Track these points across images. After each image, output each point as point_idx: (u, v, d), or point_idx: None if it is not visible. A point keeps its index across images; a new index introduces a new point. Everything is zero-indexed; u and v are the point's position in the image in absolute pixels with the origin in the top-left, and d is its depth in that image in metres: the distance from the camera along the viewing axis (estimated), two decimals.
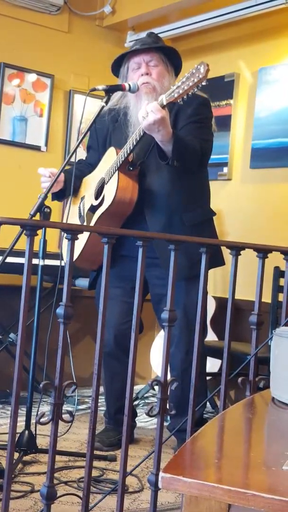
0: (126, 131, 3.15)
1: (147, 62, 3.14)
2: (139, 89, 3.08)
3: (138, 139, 2.92)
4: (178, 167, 2.95)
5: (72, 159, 2.97)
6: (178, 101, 2.75)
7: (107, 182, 3.07)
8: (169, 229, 3.01)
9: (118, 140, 3.18)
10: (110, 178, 3.04)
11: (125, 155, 2.97)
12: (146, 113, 2.80)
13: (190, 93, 2.73)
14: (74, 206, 3.30)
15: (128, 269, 3.10)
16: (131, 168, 3.04)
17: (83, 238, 3.12)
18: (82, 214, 3.25)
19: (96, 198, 3.15)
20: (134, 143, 2.94)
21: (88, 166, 3.34)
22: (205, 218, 3.23)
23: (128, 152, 2.97)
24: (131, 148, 2.96)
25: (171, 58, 3.20)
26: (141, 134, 2.90)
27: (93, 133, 3.32)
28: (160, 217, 3.09)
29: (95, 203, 3.14)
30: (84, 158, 3.47)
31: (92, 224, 3.09)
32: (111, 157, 3.09)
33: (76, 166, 3.11)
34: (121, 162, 2.99)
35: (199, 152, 3.04)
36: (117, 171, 3.00)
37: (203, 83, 2.68)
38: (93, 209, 3.15)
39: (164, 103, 2.78)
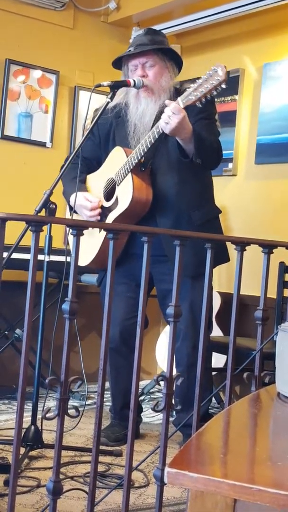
0: (127, 130, 3.15)
1: (143, 64, 3.12)
2: (138, 91, 3.09)
3: (153, 141, 2.92)
4: (199, 164, 2.96)
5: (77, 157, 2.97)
6: (197, 104, 2.76)
7: (119, 183, 3.06)
8: (178, 228, 3.01)
9: (120, 137, 3.18)
10: (122, 180, 3.04)
11: (138, 158, 2.96)
12: (167, 117, 2.79)
13: (208, 96, 2.73)
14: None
15: (133, 266, 3.10)
16: (143, 169, 3.05)
17: (97, 242, 3.12)
18: None
19: (107, 200, 3.14)
20: (149, 146, 2.93)
21: (85, 161, 3.29)
22: (212, 216, 3.25)
23: (142, 154, 2.96)
24: (145, 150, 2.95)
25: (169, 54, 3.18)
26: (156, 136, 2.90)
27: (95, 128, 3.30)
28: (170, 216, 3.10)
29: (106, 204, 3.14)
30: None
31: None
32: (119, 158, 3.09)
33: (76, 166, 3.09)
34: (133, 164, 2.98)
35: (216, 147, 3.06)
36: (130, 173, 3.00)
37: (223, 86, 2.69)
38: (104, 211, 3.14)
39: (181, 106, 2.78)
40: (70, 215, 3.22)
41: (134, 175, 3.01)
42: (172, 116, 2.78)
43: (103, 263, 3.19)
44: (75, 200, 3.06)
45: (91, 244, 3.14)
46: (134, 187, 2.98)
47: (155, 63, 3.13)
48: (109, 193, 3.15)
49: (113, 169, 3.11)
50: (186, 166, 3.04)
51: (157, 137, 2.91)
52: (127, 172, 3.01)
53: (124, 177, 3.03)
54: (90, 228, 3.16)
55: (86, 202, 3.13)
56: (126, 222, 3.05)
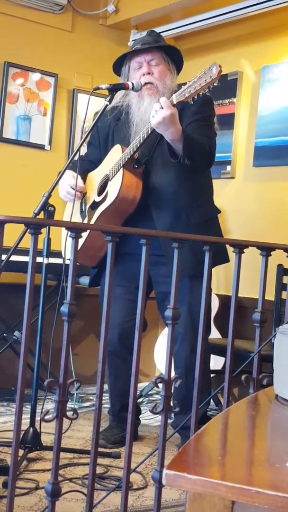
0: (128, 130, 3.16)
1: (149, 62, 3.14)
2: (142, 89, 3.09)
3: (145, 137, 2.93)
4: (188, 165, 2.96)
5: (76, 158, 2.98)
6: (189, 101, 2.76)
7: (111, 179, 3.07)
8: (176, 227, 3.01)
9: (121, 139, 3.19)
10: (115, 175, 3.05)
11: (131, 153, 2.98)
12: (154, 111, 2.81)
13: (201, 94, 2.73)
14: (77, 202, 3.30)
15: (131, 267, 3.10)
16: (136, 166, 3.05)
17: (81, 239, 3.12)
18: (83, 210, 3.26)
19: (99, 194, 3.16)
20: (141, 141, 2.94)
21: (90, 163, 3.34)
22: (210, 216, 3.25)
23: (135, 150, 2.97)
24: (138, 146, 2.96)
25: (172, 56, 3.20)
26: (149, 132, 2.90)
27: (95, 131, 3.31)
28: (167, 215, 3.10)
29: (98, 199, 3.15)
30: (84, 155, 3.46)
31: (93, 220, 3.10)
32: (116, 154, 3.10)
33: (80, 163, 3.11)
34: (126, 160, 2.99)
35: (208, 150, 3.06)
36: (121, 169, 3.01)
37: (215, 84, 2.68)
38: (95, 205, 3.16)
39: (174, 102, 2.79)
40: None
41: (125, 171, 3.01)
42: (159, 111, 2.79)
43: (90, 259, 3.21)
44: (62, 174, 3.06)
45: None
46: (122, 183, 2.99)
47: (160, 62, 3.15)
48: (102, 188, 3.16)
49: (110, 165, 3.12)
50: (182, 166, 3.04)
51: (149, 132, 2.91)
52: (119, 168, 3.02)
53: (116, 173, 3.04)
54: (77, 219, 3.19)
55: (72, 180, 3.10)
56: (112, 218, 3.05)
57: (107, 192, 3.09)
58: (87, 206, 3.24)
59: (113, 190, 3.03)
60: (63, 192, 3.16)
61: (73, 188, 3.09)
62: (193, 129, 3.05)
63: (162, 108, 2.78)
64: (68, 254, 3.09)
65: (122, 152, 3.04)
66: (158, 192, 3.10)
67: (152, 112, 2.83)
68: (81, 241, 3.14)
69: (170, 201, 3.10)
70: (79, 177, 3.14)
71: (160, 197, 3.10)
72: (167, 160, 3.04)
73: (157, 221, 3.09)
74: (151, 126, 2.88)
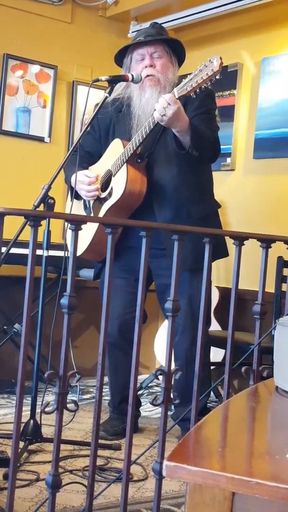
0: (130, 122, 3.15)
1: (151, 54, 3.13)
2: (143, 81, 3.08)
3: (148, 132, 2.92)
4: (196, 156, 2.96)
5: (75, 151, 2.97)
6: (191, 94, 2.75)
7: (115, 174, 3.06)
8: (177, 222, 3.01)
9: (122, 131, 3.18)
10: (118, 170, 3.04)
11: (134, 148, 2.97)
12: (162, 109, 2.79)
13: (203, 87, 2.72)
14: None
15: (132, 260, 3.10)
16: (139, 160, 3.05)
17: (90, 231, 3.12)
18: (88, 206, 3.25)
19: (103, 191, 3.15)
20: (144, 136, 2.94)
21: (88, 155, 3.32)
22: (211, 211, 3.25)
23: (138, 144, 2.96)
24: (141, 141, 2.95)
25: (175, 49, 3.19)
26: (151, 126, 2.90)
27: (95, 122, 3.30)
28: (168, 210, 3.10)
29: (102, 195, 3.14)
30: (80, 146, 3.45)
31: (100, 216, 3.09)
32: (117, 149, 3.09)
33: (78, 156, 3.10)
34: (129, 155, 2.98)
35: (213, 141, 3.06)
36: (125, 164, 3.00)
37: (217, 77, 2.68)
38: (100, 201, 3.15)
39: (176, 96, 2.78)
40: (71, 199, 3.22)
41: (129, 166, 3.01)
42: (168, 108, 2.78)
43: (97, 254, 3.20)
44: (75, 178, 3.06)
45: (84, 235, 3.14)
46: (128, 178, 2.99)
47: (163, 55, 3.15)
48: (106, 184, 3.15)
49: (111, 160, 3.11)
50: (185, 159, 3.04)
51: (152, 127, 2.90)
52: (122, 163, 3.01)
53: (120, 168, 3.03)
54: None
55: (85, 177, 3.14)
56: (119, 213, 3.05)
57: (111, 188, 3.08)
58: (91, 202, 3.23)
59: (118, 186, 3.02)
60: (83, 193, 3.16)
61: (88, 185, 3.12)
62: (198, 122, 3.05)
63: (170, 104, 2.78)
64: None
65: (123, 147, 3.03)
66: (160, 186, 3.10)
67: (159, 110, 2.81)
68: (89, 238, 3.14)
69: (171, 195, 3.10)
70: (87, 170, 3.14)
71: (162, 191, 3.10)
72: (169, 154, 3.04)
73: (159, 215, 3.09)
74: (153, 120, 2.87)
